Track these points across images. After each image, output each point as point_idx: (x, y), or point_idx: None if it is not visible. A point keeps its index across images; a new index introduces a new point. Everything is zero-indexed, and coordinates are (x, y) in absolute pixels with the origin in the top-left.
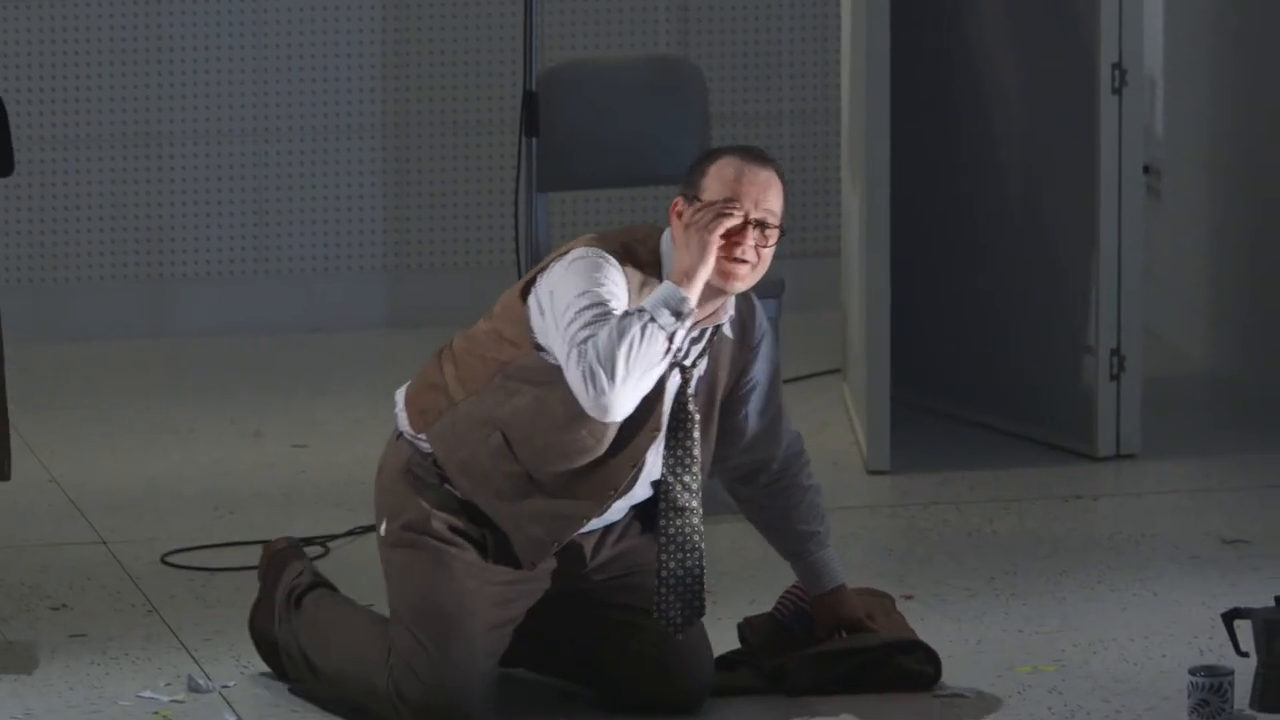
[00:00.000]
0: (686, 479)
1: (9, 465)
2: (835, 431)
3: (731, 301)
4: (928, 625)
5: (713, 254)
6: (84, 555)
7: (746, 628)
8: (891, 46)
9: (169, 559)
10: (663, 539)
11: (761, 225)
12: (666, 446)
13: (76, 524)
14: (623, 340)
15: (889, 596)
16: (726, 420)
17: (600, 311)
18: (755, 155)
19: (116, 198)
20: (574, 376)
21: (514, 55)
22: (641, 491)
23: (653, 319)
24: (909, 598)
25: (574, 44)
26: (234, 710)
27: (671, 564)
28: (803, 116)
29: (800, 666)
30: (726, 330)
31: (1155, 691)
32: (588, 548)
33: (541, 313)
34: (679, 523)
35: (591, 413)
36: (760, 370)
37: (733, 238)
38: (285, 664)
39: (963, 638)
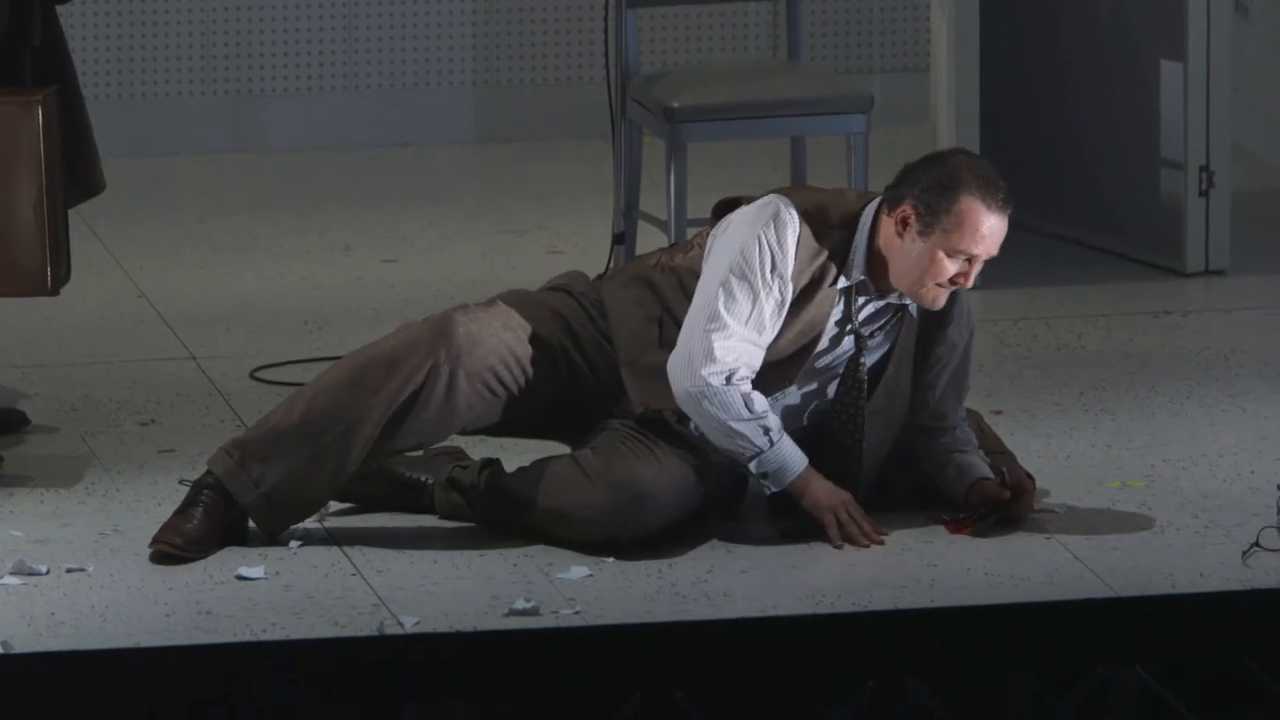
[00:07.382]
0: (857, 436)
1: (62, 276)
2: None
3: None
4: (1017, 440)
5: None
6: (172, 371)
7: None
8: None
9: (258, 374)
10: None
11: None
12: (834, 403)
13: (165, 339)
14: (719, 426)
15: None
16: (916, 383)
17: (738, 332)
18: (1001, 203)
19: (205, 13)
20: (676, 381)
21: None
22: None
23: (758, 453)
24: (998, 413)
25: None
26: (321, 523)
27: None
28: None
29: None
30: (913, 311)
31: (1244, 507)
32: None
33: (707, 254)
34: (844, 464)
35: None
36: (952, 345)
37: (953, 276)
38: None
39: (1051, 453)
